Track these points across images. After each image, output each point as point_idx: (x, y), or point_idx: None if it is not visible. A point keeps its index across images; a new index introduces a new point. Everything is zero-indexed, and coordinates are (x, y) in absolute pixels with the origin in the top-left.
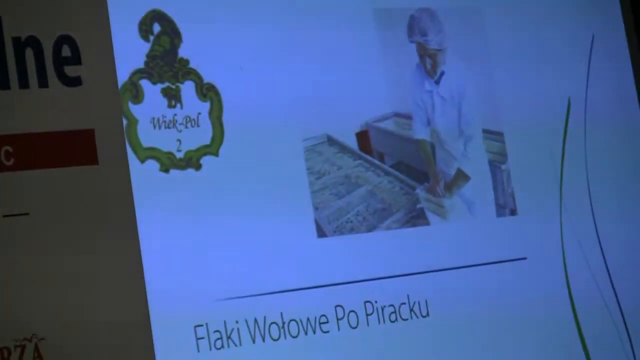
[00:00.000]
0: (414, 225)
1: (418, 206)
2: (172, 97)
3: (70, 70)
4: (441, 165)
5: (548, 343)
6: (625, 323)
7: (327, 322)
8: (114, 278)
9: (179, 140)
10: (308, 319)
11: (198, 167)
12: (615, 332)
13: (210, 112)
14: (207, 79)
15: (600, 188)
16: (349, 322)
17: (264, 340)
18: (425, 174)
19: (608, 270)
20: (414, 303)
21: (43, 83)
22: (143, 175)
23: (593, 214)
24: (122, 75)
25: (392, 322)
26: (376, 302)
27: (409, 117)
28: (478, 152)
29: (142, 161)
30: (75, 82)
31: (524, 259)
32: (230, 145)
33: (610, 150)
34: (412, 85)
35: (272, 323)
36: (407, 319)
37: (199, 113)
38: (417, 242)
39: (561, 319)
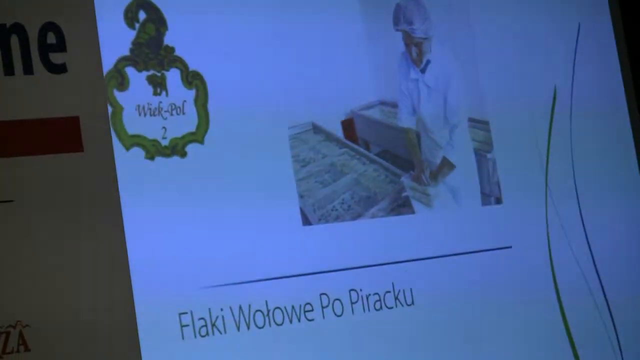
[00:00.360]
0: (399, 213)
1: (403, 194)
2: (158, 84)
3: (55, 57)
4: (426, 153)
5: (533, 332)
6: (610, 312)
7: (312, 310)
8: (99, 265)
9: (164, 127)
10: (293, 307)
11: (183, 154)
12: (600, 321)
13: (196, 100)
14: (192, 66)
15: (586, 177)
16: (333, 310)
17: (248, 328)
18: (410, 162)
19: (593, 259)
20: (399, 291)
21: (28, 70)
22: (128, 163)
23: (579, 203)
24: (108, 62)
25: (377, 310)
26: (361, 290)
27: (394, 105)
28: (463, 141)
29: (128, 148)
30: (60, 69)
31: (509, 247)
32: (215, 133)
33: (596, 139)
34: (398, 74)
35: (257, 311)
36: (392, 307)
37: (185, 101)
38: (403, 230)
39: (546, 307)
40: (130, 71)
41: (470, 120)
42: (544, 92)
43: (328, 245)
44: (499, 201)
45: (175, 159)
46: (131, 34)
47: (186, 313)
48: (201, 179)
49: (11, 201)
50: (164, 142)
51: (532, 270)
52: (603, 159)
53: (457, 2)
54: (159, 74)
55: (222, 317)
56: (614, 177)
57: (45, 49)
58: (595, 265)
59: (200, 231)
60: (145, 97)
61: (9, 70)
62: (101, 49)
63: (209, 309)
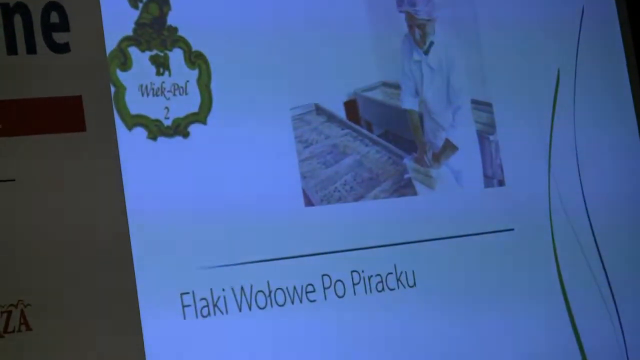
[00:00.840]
0: (401, 195)
1: (406, 176)
2: (161, 64)
3: (58, 37)
4: (429, 135)
5: (535, 314)
6: (612, 294)
7: (314, 291)
8: (100, 244)
9: (167, 107)
10: (295, 288)
11: (186, 134)
12: (602, 304)
13: (199, 80)
14: (195, 46)
15: (589, 160)
16: (335, 292)
17: (250, 308)
18: (413, 143)
19: (596, 242)
20: (401, 273)
21: (31, 49)
22: (131, 143)
23: (581, 186)
24: (111, 42)
25: (378, 292)
26: (363, 271)
27: (397, 86)
28: (466, 123)
29: (130, 128)
30: (63, 48)
31: (512, 230)
32: (218, 113)
33: (599, 122)
34: (401, 55)
35: (258, 291)
36: (393, 289)
37: (187, 81)
38: (405, 212)
39: (548, 290)
40: (133, 51)
41: (473, 102)
42: (548, 75)
43: (330, 226)
44: (501, 183)
45: (178, 139)
46: (134, 14)
47: (188, 293)
48: (203, 159)
49: (12, 180)
50: (167, 122)
51: (534, 252)
52: (606, 141)
53: None
54: (162, 54)
55: (224, 297)
56: (618, 160)
57: (48, 29)
58: (597, 248)
59: (202, 211)
60: (148, 77)
61: (12, 50)
62: (104, 28)
63: (211, 289)
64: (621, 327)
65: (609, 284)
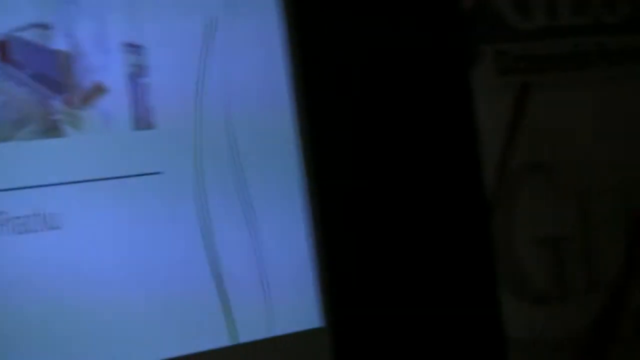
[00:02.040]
0: (48, 136)
1: (54, 117)
2: None
3: None
4: (79, 76)
5: (176, 250)
6: (255, 227)
7: None
8: None
9: None
10: None
11: None
12: (247, 237)
13: None
14: None
15: (240, 100)
16: None
17: None
18: (63, 85)
19: (246, 184)
20: (45, 215)
21: None
22: None
23: (230, 130)
24: None
25: (20, 234)
26: (5, 213)
27: (48, 27)
28: (117, 65)
29: None
30: None
31: (159, 173)
32: None
33: (249, 68)
34: None
35: None
36: (37, 231)
37: None
38: (51, 153)
39: (192, 230)
40: None
41: (125, 44)
42: (202, 19)
43: None
44: (150, 127)
45: None
46: None
47: None
48: None
49: None
50: None
51: (181, 195)
52: (256, 82)
53: None
54: None
55: None
56: (266, 103)
57: None
58: (247, 187)
59: None
60: None
61: None
62: None
63: None
64: (263, 261)
65: (255, 217)
